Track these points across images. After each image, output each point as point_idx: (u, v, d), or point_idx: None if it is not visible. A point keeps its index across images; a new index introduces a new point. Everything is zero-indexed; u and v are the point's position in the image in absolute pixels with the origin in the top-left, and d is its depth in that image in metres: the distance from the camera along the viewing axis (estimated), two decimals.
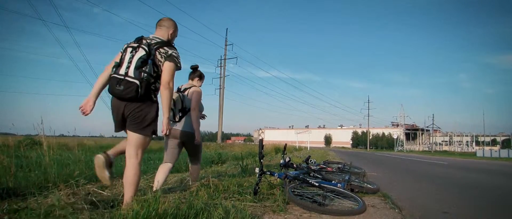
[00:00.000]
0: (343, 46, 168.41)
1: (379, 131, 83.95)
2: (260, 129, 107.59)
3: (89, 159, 4.91)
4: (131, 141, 2.37)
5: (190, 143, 3.26)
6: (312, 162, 4.87)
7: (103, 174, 2.45)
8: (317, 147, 53.47)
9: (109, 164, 2.51)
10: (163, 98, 2.37)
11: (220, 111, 30.13)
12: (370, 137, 75.05)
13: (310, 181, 3.27)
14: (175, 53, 2.42)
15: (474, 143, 67.76)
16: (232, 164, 7.07)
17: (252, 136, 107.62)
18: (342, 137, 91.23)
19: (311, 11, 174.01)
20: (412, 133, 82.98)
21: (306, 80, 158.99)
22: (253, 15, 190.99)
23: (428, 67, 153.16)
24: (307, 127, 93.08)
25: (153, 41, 2.40)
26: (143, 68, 2.26)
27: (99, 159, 2.45)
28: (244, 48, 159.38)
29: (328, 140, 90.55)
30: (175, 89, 3.35)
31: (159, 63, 2.35)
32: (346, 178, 3.79)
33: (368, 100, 70.06)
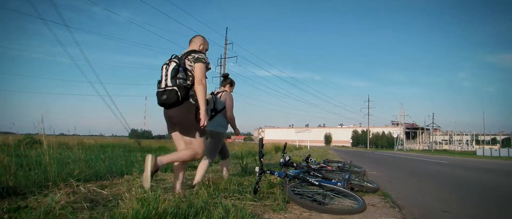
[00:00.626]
0: (343, 45, 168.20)
1: (379, 130, 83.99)
2: (260, 127, 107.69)
3: (89, 157, 4.92)
4: (184, 142, 2.74)
5: (212, 140, 3.66)
6: (312, 161, 4.88)
7: (147, 175, 2.55)
8: (317, 145, 53.55)
9: (156, 169, 2.63)
10: (198, 93, 2.69)
11: None
12: (370, 136, 75.11)
13: (310, 180, 3.27)
14: (202, 56, 2.79)
15: (474, 142, 67.66)
16: (232, 163, 7.06)
17: (252, 135, 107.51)
18: (342, 136, 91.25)
19: (311, 10, 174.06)
20: (412, 132, 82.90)
21: (306, 79, 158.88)
22: (253, 14, 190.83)
23: (428, 66, 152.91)
24: (307, 125, 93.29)
25: (182, 53, 2.79)
26: (177, 76, 2.65)
27: (149, 159, 2.57)
28: (244, 47, 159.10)
29: (328, 138, 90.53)
30: (208, 91, 3.64)
31: (190, 67, 2.72)
32: (346, 177, 3.78)
33: (368, 99, 70.25)
